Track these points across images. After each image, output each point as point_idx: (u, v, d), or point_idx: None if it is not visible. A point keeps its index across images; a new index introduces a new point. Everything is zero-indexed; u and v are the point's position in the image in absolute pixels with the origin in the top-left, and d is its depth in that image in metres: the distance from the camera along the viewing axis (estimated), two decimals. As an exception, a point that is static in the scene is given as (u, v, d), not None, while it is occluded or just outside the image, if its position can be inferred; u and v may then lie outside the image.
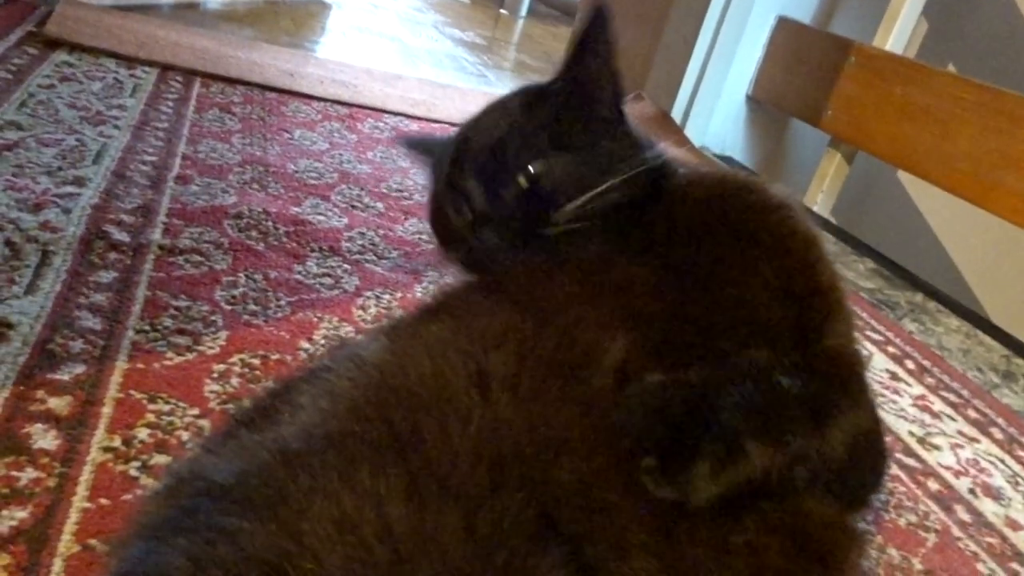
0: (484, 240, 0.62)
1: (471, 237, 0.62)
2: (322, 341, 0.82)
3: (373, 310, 0.90)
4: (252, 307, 0.84)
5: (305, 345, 0.80)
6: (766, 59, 2.25)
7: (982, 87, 1.65)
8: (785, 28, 2.22)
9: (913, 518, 0.82)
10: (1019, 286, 1.89)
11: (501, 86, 2.40)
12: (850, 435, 0.54)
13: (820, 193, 2.07)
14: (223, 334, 0.78)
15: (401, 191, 1.28)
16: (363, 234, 1.08)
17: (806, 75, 2.11)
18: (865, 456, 0.58)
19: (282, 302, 0.87)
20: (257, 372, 0.74)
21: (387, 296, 0.95)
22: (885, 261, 1.78)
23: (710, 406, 0.47)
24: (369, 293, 0.94)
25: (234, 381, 0.72)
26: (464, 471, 0.38)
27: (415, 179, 1.33)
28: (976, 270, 2.05)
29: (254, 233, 0.99)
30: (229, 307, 0.83)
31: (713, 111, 2.32)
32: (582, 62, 0.68)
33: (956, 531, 0.82)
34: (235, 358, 0.75)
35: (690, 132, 2.26)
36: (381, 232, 1.10)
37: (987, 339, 1.47)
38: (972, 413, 1.09)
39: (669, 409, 0.46)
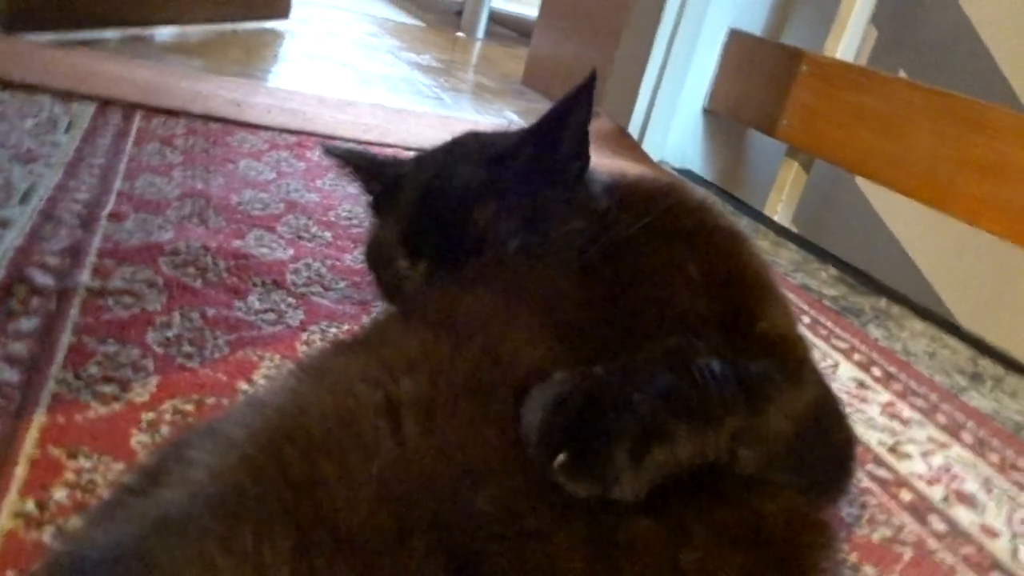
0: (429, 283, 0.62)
1: (417, 284, 0.62)
2: (262, 381, 0.77)
3: (319, 345, 0.86)
4: (187, 348, 0.79)
5: (244, 386, 0.76)
6: (720, 72, 2.26)
7: (931, 91, 1.65)
8: (737, 40, 2.22)
9: (888, 532, 0.79)
10: (983, 287, 1.90)
11: (457, 108, 2.38)
12: (794, 410, 0.51)
13: (780, 202, 2.07)
14: (154, 379, 0.74)
15: (350, 218, 1.24)
16: (309, 265, 1.04)
17: (760, 86, 2.12)
18: (819, 432, 0.56)
19: (220, 341, 0.82)
20: (190, 419, 0.70)
21: (334, 329, 0.90)
22: (848, 268, 1.78)
23: (621, 392, 0.43)
24: (315, 327, 0.90)
25: (164, 430, 0.67)
26: (364, 518, 0.34)
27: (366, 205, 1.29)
28: (939, 272, 2.05)
29: (191, 270, 0.95)
30: (161, 350, 0.78)
31: (670, 125, 2.32)
32: (558, 127, 0.69)
33: (932, 543, 0.79)
34: (167, 405, 0.71)
35: (648, 147, 2.26)
36: (328, 262, 1.06)
37: (952, 341, 1.46)
38: (941, 418, 1.07)
39: (573, 400, 0.42)
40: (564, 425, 0.41)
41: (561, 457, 0.40)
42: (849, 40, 1.96)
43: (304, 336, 0.87)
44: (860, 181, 2.11)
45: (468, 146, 0.73)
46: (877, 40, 2.13)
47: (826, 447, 0.57)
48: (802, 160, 2.04)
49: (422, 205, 0.67)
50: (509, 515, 0.37)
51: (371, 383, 0.41)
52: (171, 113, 1.53)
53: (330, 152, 0.81)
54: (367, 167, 0.80)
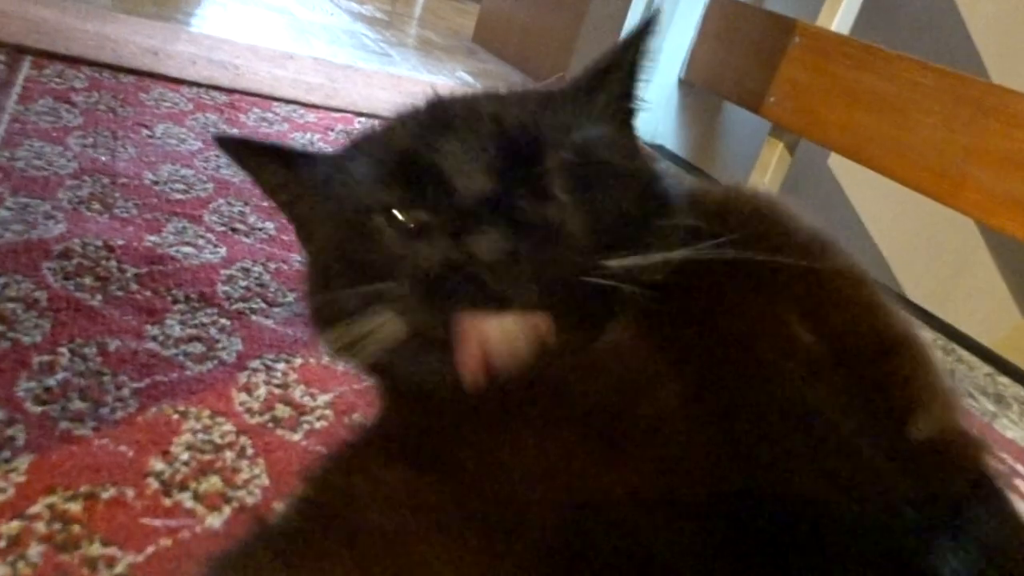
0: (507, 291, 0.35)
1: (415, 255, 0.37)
2: (185, 455, 0.55)
3: (263, 391, 0.64)
4: (76, 406, 0.57)
5: (158, 466, 0.54)
6: (700, 39, 2.07)
7: (944, 72, 1.50)
8: (720, 5, 2.04)
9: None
10: (939, 269, 1.84)
11: (407, 66, 2.13)
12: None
13: (762, 185, 1.91)
14: (24, 460, 0.51)
15: (297, 204, 1.00)
16: (247, 270, 0.81)
17: (745, 57, 1.94)
18: None
19: (125, 391, 0.60)
20: (76, 528, 0.48)
21: (282, 364, 0.69)
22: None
23: None
24: (257, 362, 0.68)
25: (34, 552, 0.45)
26: None
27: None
28: (900, 258, 1.97)
29: (88, 280, 0.71)
30: (38, 409, 0.55)
31: (642, 96, 2.12)
32: (610, 69, 0.49)
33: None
34: (40, 504, 0.48)
35: (619, 119, 2.06)
36: (272, 265, 0.84)
37: (966, 354, 1.33)
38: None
39: None
40: None
41: None
42: (846, 10, 1.79)
43: (243, 377, 0.65)
44: (832, 162, 1.98)
45: (484, 98, 0.48)
46: (860, 10, 1.98)
47: None
48: (787, 141, 1.88)
49: (443, 120, 0.41)
50: None
51: None
52: (71, 61, 1.25)
53: (227, 144, 0.48)
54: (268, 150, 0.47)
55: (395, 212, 0.39)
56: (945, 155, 1.49)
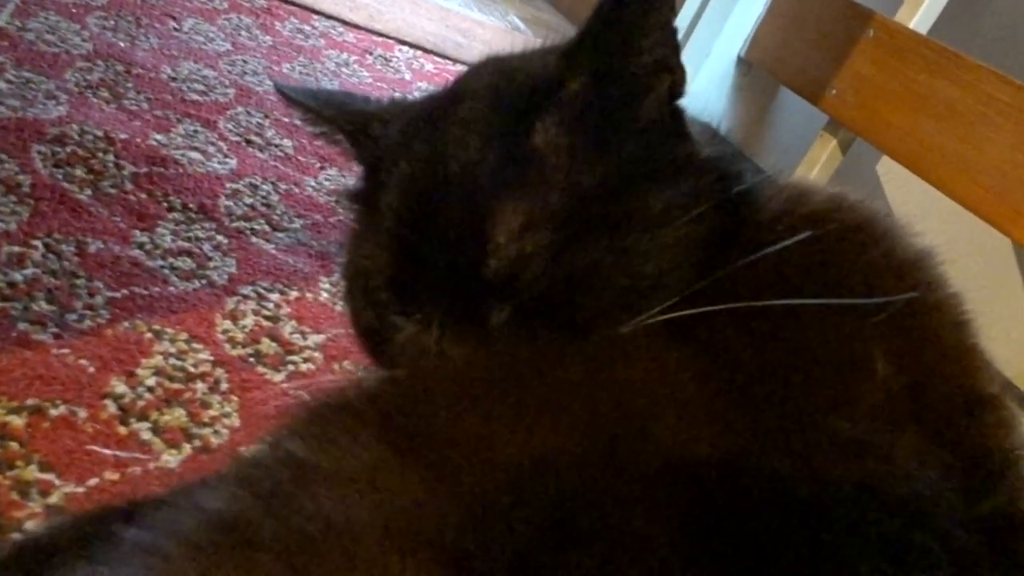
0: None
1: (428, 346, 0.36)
2: (151, 380, 0.50)
3: (249, 322, 0.59)
4: (40, 307, 0.51)
5: (119, 388, 0.48)
6: (767, 16, 1.96)
7: (1023, 89, 1.41)
8: (795, -16, 1.93)
9: None
10: (971, 297, 1.76)
11: (459, 1, 2.03)
12: None
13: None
14: (-29, 361, 0.46)
15: (320, 125, 0.94)
16: (255, 187, 0.75)
17: (812, 43, 1.84)
18: None
19: (98, 299, 0.54)
20: (13, 445, 0.42)
21: (276, 295, 0.63)
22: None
23: None
24: (248, 289, 0.62)
25: (-38, 467, 0.40)
26: None
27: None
28: None
29: (79, 171, 0.65)
30: (-3, 305, 0.50)
31: (699, 69, 2.03)
32: (625, 41, 0.39)
33: None
34: (-19, 413, 0.43)
35: (670, 89, 1.97)
36: (283, 186, 0.77)
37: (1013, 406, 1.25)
38: None
39: None
40: None
41: None
42: (928, 10, 1.69)
43: (230, 304, 0.59)
44: (880, 168, 1.89)
45: (479, 93, 0.40)
46: (943, 11, 1.87)
47: None
48: (842, 138, 1.78)
49: (413, 220, 0.37)
50: None
51: None
52: (106, -63, 1.17)
53: (289, 97, 0.46)
54: (349, 119, 0.44)
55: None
56: (1010, 178, 1.40)
